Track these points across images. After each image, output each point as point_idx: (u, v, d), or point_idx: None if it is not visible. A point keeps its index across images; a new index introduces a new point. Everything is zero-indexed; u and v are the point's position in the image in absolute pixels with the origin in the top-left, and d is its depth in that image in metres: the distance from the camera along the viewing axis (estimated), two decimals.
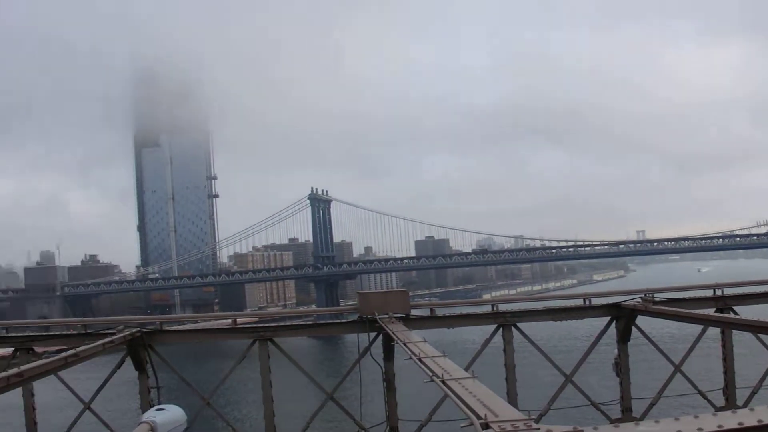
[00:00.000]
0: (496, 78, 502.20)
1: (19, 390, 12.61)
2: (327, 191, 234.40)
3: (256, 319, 18.19)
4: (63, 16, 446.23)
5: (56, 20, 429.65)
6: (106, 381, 14.95)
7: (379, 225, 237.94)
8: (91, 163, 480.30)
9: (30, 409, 14.83)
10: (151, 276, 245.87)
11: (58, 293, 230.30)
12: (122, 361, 15.00)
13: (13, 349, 15.04)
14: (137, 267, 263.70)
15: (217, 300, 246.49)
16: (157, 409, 8.96)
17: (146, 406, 14.55)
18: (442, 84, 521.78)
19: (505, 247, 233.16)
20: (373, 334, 14.70)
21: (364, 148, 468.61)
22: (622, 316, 15.31)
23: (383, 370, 14.85)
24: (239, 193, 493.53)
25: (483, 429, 5.52)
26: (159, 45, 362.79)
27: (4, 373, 9.72)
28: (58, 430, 14.84)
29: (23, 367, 10.44)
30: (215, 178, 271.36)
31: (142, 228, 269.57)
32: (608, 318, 15.55)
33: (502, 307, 15.64)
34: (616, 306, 15.41)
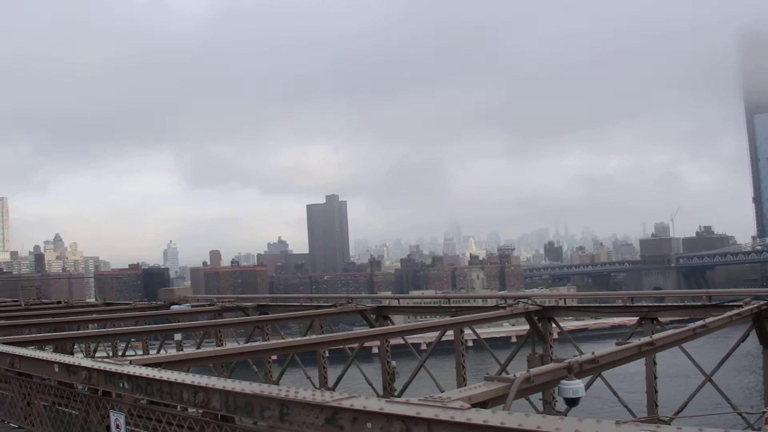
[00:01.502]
0: None
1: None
2: None
3: None
4: None
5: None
6: (729, 354, 14.91)
7: None
8: (702, 133, 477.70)
9: (651, 377, 15.64)
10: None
11: (672, 264, 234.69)
12: (746, 335, 14.91)
13: (638, 318, 16.10)
14: (753, 238, 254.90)
15: None
16: None
17: None
18: None
19: None
20: None
21: None
22: None
23: None
24: None
25: None
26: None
27: (636, 342, 10.58)
28: (677, 399, 15.10)
29: (654, 336, 11.25)
30: None
31: (757, 198, 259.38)
32: None
33: None
34: None
